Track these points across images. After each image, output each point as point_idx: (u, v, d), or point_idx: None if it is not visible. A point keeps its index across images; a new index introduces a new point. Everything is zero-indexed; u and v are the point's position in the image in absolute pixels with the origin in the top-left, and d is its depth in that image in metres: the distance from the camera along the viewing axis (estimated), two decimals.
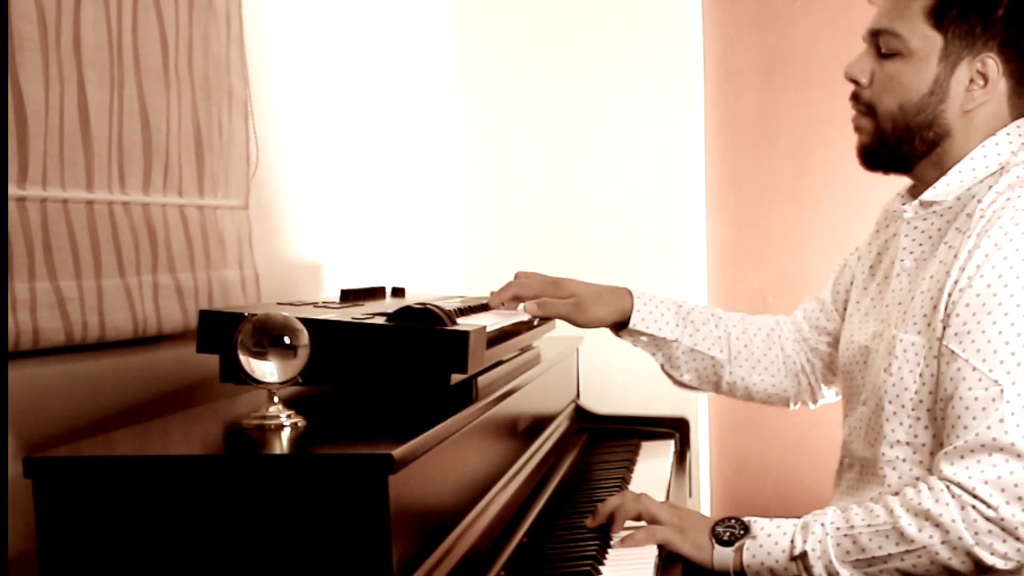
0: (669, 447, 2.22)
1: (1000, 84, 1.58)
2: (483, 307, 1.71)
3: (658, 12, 2.88)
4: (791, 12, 2.90)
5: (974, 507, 1.42)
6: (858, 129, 1.67)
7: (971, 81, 1.58)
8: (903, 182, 1.74)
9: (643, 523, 1.57)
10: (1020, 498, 1.40)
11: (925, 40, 1.57)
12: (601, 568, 1.43)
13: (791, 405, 1.98)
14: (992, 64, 1.57)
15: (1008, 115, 1.60)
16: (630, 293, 1.86)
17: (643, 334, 1.86)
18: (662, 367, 1.93)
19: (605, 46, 2.91)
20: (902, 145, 1.62)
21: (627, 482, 1.91)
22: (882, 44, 1.61)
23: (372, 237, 2.43)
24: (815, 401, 1.97)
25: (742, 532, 1.53)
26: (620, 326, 1.87)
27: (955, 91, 1.58)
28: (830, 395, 1.96)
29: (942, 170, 1.61)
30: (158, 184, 1.55)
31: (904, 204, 1.66)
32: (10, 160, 1.27)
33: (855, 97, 1.66)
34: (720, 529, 1.55)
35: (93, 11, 1.41)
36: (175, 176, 1.59)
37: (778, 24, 2.91)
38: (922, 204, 1.62)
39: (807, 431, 2.89)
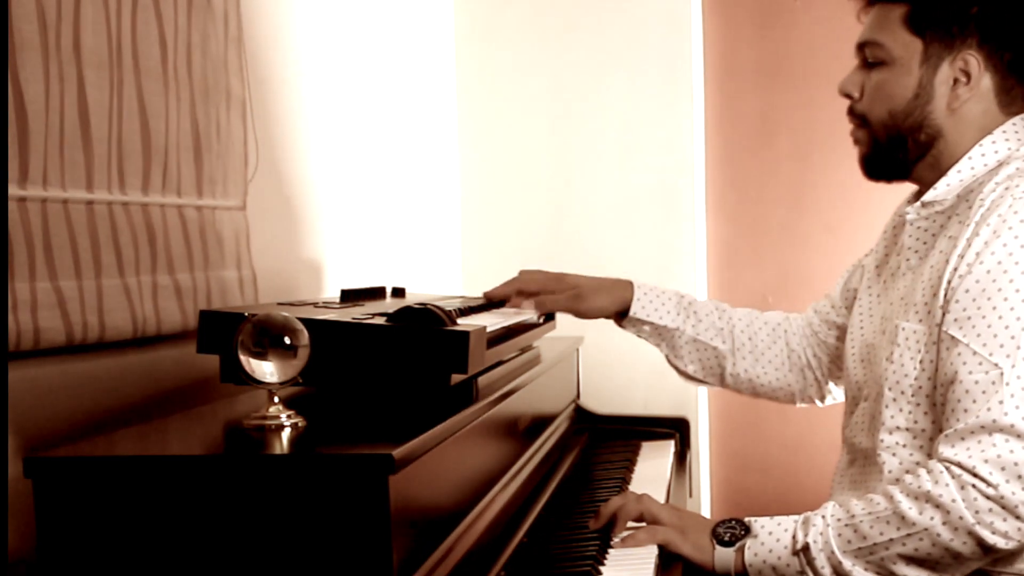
0: (669, 447, 2.22)
1: (984, 80, 1.60)
2: (483, 307, 1.70)
3: (658, 12, 2.87)
4: (791, 12, 2.90)
5: (974, 486, 1.41)
6: (856, 142, 1.71)
7: (955, 80, 1.60)
8: (907, 188, 1.76)
9: (644, 524, 1.57)
10: (1020, 476, 1.40)
11: (906, 46, 1.61)
12: (601, 568, 1.43)
13: (796, 401, 1.99)
14: (973, 61, 1.59)
15: (999, 111, 1.62)
16: (631, 284, 1.91)
17: (645, 323, 1.91)
18: (667, 358, 1.97)
19: (605, 46, 2.91)
20: (897, 151, 1.65)
21: (627, 482, 1.91)
22: (868, 55, 1.65)
23: (372, 237, 2.43)
24: (822, 398, 1.98)
25: (743, 532, 1.53)
26: (622, 316, 1.92)
27: (940, 91, 1.61)
28: (839, 393, 1.95)
29: (940, 171, 1.63)
30: (157, 184, 1.55)
31: (908, 207, 1.68)
32: (11, 160, 1.27)
33: (850, 111, 1.69)
34: (721, 530, 1.54)
35: (93, 12, 1.41)
36: (174, 176, 1.59)
37: (778, 24, 2.91)
38: (924, 205, 1.64)
39: (807, 431, 2.89)
